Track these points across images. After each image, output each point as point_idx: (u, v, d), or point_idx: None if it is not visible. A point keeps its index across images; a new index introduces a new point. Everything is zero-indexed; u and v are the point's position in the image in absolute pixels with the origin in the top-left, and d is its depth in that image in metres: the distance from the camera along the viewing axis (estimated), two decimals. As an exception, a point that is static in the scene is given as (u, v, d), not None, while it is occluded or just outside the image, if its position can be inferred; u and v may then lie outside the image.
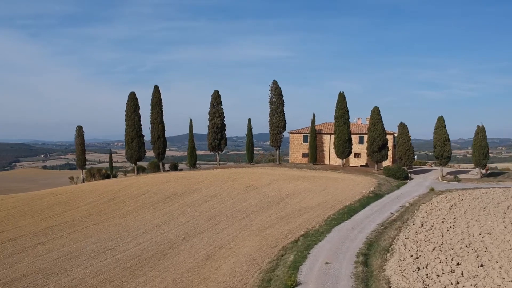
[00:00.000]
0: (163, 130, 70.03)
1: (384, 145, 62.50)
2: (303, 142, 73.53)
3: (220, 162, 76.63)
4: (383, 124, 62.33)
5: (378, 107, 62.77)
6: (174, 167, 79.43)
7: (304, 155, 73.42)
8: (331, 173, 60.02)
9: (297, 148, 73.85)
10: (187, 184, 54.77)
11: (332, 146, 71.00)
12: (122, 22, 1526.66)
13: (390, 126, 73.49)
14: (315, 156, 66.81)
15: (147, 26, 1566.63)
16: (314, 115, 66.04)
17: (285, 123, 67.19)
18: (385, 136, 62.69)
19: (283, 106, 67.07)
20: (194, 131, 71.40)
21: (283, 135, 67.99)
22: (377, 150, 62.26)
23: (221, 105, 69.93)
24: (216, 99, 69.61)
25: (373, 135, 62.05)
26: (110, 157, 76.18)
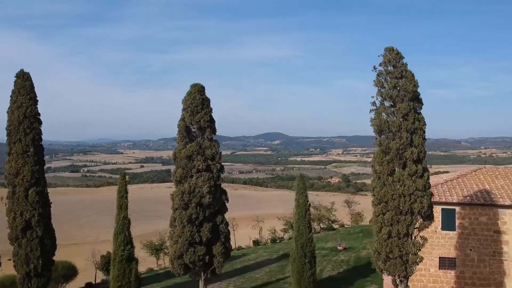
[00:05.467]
0: (40, 149, 25.15)
1: None
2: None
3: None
4: None
5: None
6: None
7: (445, 263, 24.46)
8: None
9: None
10: None
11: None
12: (131, 22, 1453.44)
13: None
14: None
15: (155, 25, 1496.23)
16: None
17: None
18: None
19: (420, 114, 18.15)
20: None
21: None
22: None
23: (208, 108, 21.64)
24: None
25: None
26: None
